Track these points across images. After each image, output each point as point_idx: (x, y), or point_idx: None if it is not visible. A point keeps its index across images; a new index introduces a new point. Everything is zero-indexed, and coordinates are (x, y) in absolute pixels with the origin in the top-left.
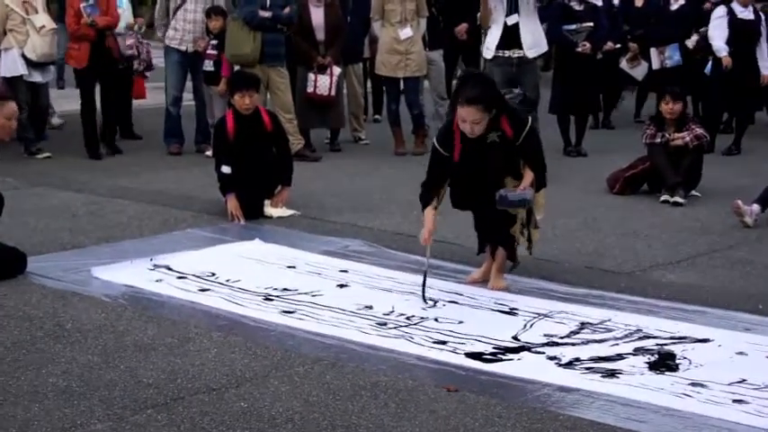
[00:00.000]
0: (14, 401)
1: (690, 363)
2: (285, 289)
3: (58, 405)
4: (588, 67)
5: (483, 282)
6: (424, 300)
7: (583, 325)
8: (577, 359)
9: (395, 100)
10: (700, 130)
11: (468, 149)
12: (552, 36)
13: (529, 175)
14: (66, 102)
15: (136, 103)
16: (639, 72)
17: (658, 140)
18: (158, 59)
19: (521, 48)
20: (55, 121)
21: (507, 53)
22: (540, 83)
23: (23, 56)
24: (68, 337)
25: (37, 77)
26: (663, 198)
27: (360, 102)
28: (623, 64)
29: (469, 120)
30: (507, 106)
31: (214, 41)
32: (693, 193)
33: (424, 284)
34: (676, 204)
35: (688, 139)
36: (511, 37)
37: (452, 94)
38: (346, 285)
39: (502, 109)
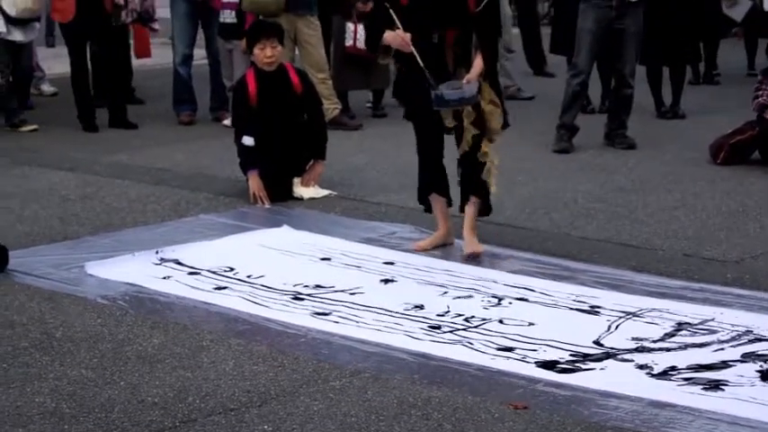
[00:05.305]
0: None
1: None
2: (318, 286)
3: (44, 430)
4: (683, 7)
5: (434, 249)
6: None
7: (680, 326)
8: (673, 368)
9: None
10: None
11: None
12: None
13: (478, 65)
14: (58, 62)
15: (138, 62)
16: (739, 12)
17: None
18: (164, 9)
19: None
20: (46, 88)
21: None
22: None
23: (1, 11)
24: (58, 348)
25: (17, 36)
26: None
27: None
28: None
29: None
30: None
31: None
32: None
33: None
34: None
35: None
36: None
37: None
38: (392, 281)
39: None
